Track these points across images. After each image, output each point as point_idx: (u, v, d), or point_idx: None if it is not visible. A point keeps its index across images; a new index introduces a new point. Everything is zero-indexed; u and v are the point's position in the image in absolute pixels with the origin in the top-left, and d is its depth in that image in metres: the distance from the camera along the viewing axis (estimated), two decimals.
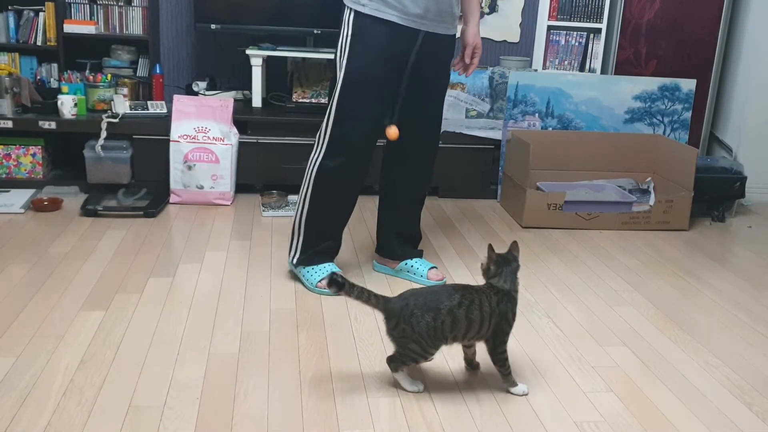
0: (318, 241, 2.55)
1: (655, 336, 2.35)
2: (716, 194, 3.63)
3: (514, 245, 1.94)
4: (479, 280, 2.72)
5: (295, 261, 2.57)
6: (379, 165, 2.67)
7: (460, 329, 1.85)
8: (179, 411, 1.79)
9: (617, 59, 4.09)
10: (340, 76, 2.38)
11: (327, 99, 2.50)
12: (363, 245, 3.01)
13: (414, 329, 1.82)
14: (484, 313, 1.85)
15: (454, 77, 4.15)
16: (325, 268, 2.53)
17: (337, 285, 1.85)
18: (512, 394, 1.93)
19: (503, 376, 1.93)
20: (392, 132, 2.36)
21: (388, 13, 2.33)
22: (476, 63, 2.60)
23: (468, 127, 3.84)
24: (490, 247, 1.93)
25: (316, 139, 2.47)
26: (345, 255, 2.91)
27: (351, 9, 2.37)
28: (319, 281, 2.50)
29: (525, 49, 4.30)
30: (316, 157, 2.47)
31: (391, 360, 1.91)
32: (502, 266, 1.90)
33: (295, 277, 2.63)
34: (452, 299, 1.84)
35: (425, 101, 2.52)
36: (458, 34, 2.57)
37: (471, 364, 2.05)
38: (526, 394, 1.94)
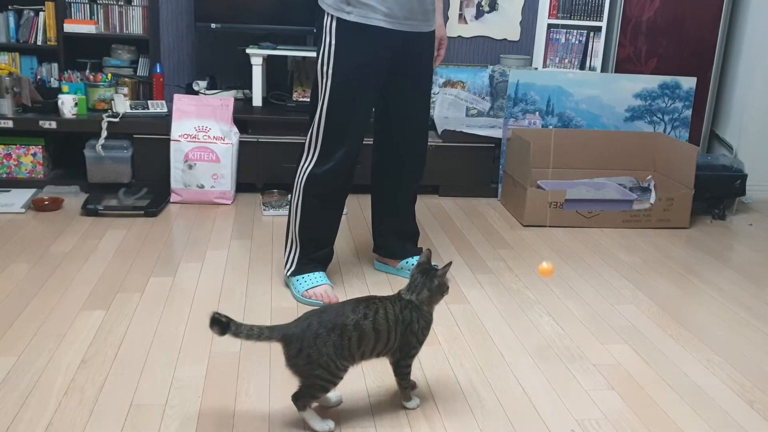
0: (314, 250, 2.52)
1: (656, 334, 2.35)
2: (717, 192, 3.63)
3: (426, 253, 1.83)
4: (479, 279, 2.74)
5: (290, 273, 2.52)
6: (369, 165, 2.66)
7: (368, 343, 1.71)
8: (180, 410, 1.80)
9: (617, 57, 4.09)
10: (327, 85, 2.32)
11: (310, 105, 2.43)
12: (363, 245, 3.01)
13: (320, 351, 1.65)
14: (390, 322, 1.72)
15: (454, 75, 4.17)
16: (316, 277, 2.48)
17: (220, 325, 1.65)
18: (406, 407, 1.84)
19: (402, 389, 1.83)
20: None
21: (375, 19, 2.26)
22: (442, 54, 2.58)
23: (468, 125, 3.84)
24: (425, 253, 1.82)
25: (306, 148, 2.42)
26: (345, 255, 2.91)
27: (332, 16, 2.28)
28: (307, 290, 2.44)
29: (525, 47, 4.30)
30: (306, 165, 2.43)
31: (297, 397, 1.72)
32: (416, 276, 1.80)
33: None
34: (357, 312, 1.70)
35: (413, 95, 2.50)
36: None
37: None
38: (418, 407, 1.84)
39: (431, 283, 1.78)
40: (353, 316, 1.69)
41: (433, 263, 1.83)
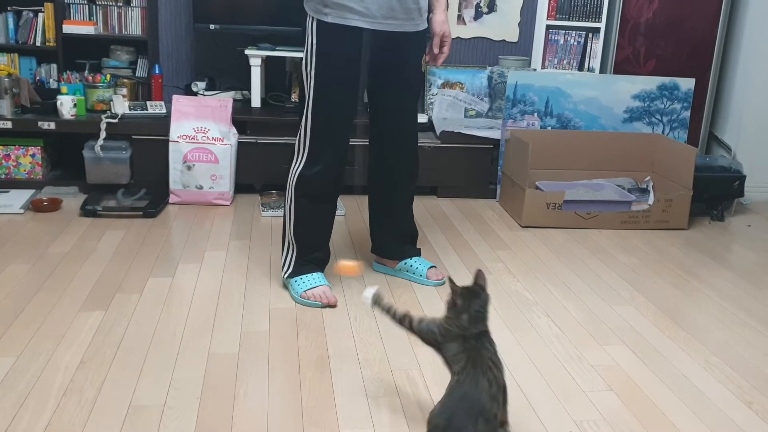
0: (310, 251, 2.52)
1: (654, 335, 2.35)
2: (715, 193, 3.63)
3: (480, 275, 1.67)
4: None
5: (288, 275, 2.52)
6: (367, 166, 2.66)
7: (500, 402, 1.58)
8: (179, 411, 1.80)
9: (616, 58, 4.09)
10: (311, 86, 2.34)
11: (298, 107, 2.45)
12: (361, 245, 3.01)
13: None
14: (500, 367, 1.60)
15: (453, 76, 4.17)
16: (314, 278, 2.49)
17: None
18: None
19: None
20: (344, 267, 2.05)
21: (353, 19, 2.26)
22: (446, 52, 2.51)
23: (467, 126, 3.84)
24: (451, 281, 1.66)
25: (296, 149, 2.44)
26: (343, 255, 2.91)
27: (313, 18, 2.31)
28: (305, 291, 2.44)
29: (524, 48, 4.30)
30: (296, 167, 2.44)
31: None
32: (470, 299, 1.63)
33: None
34: (483, 384, 1.55)
35: (400, 97, 2.50)
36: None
37: None
38: None
39: (485, 301, 1.65)
40: (486, 391, 1.54)
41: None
